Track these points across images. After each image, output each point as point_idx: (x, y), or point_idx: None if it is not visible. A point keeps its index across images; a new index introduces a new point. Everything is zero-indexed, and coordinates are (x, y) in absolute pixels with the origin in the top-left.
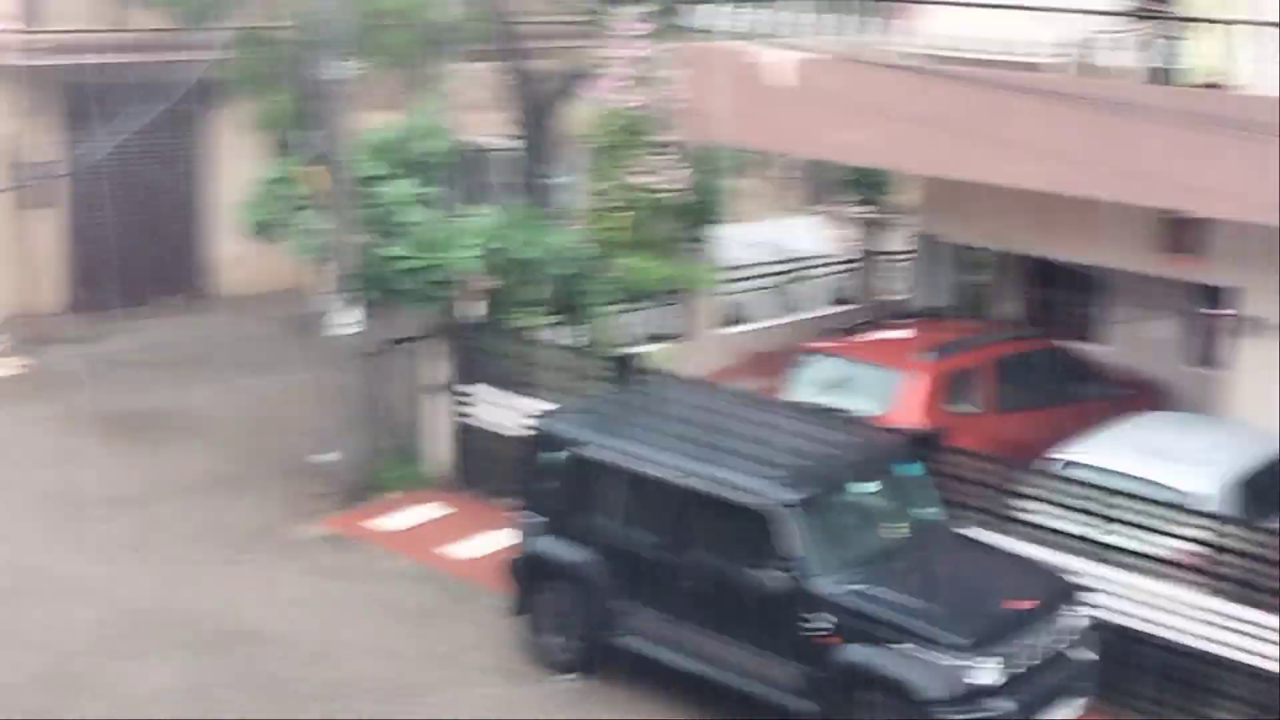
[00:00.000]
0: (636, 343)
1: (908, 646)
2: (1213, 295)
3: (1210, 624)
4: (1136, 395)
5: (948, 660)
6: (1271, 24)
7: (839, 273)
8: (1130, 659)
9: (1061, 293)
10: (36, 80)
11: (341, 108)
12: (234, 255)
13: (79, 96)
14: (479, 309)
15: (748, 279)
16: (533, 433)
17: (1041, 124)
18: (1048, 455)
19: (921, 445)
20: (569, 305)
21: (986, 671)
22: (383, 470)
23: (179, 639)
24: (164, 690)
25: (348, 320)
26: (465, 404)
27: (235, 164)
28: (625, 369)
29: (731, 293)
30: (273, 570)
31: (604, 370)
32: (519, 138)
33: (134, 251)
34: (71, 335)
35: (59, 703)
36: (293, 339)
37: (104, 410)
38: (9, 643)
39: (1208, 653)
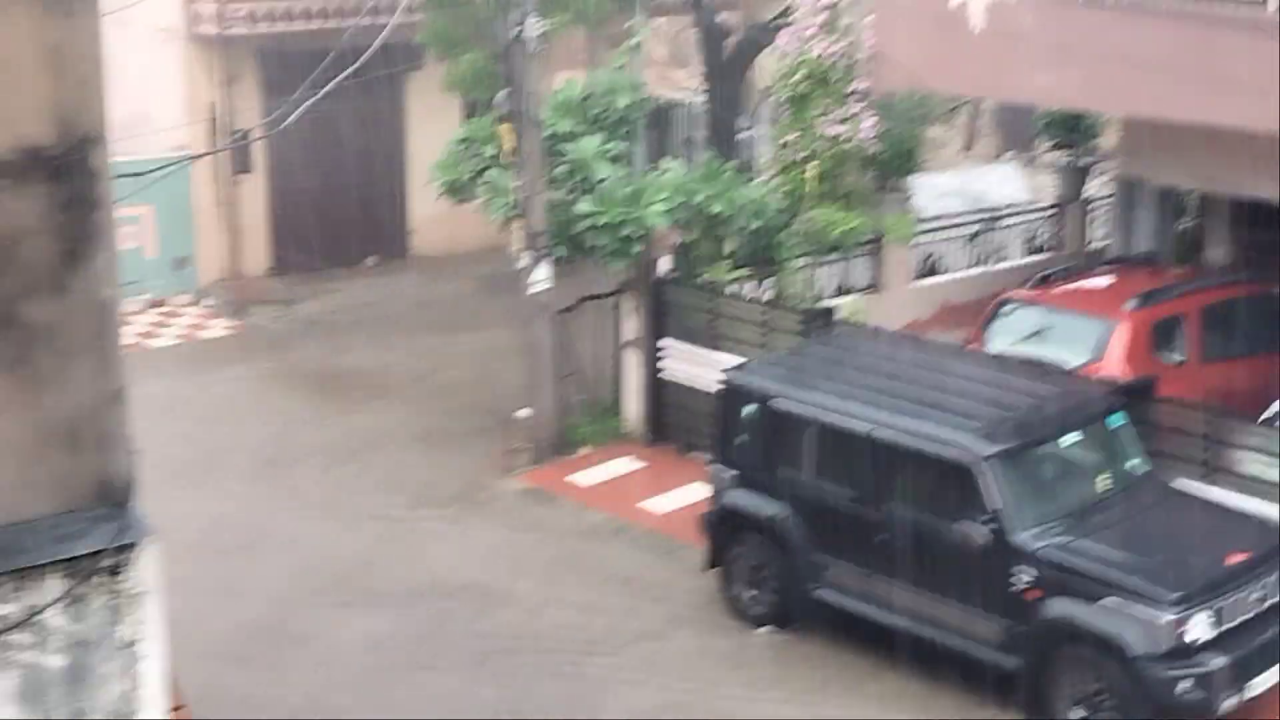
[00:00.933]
0: (828, 296)
1: (1115, 600)
2: None
3: None
4: None
5: (1156, 614)
6: None
7: (1035, 220)
8: None
9: (1276, 235)
10: (234, 49)
11: (531, 66)
12: (430, 216)
13: (276, 63)
14: (669, 264)
15: (941, 229)
16: (724, 386)
17: (1257, 61)
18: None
19: (1131, 395)
20: (759, 258)
21: (1197, 626)
22: (578, 425)
23: (384, 591)
24: (368, 640)
25: (539, 278)
26: (657, 359)
27: (429, 125)
28: (816, 322)
29: (924, 243)
30: (474, 524)
31: (795, 323)
32: (706, 91)
33: (333, 214)
34: (275, 296)
35: (268, 650)
36: (488, 297)
37: (309, 369)
38: (224, 592)
39: None
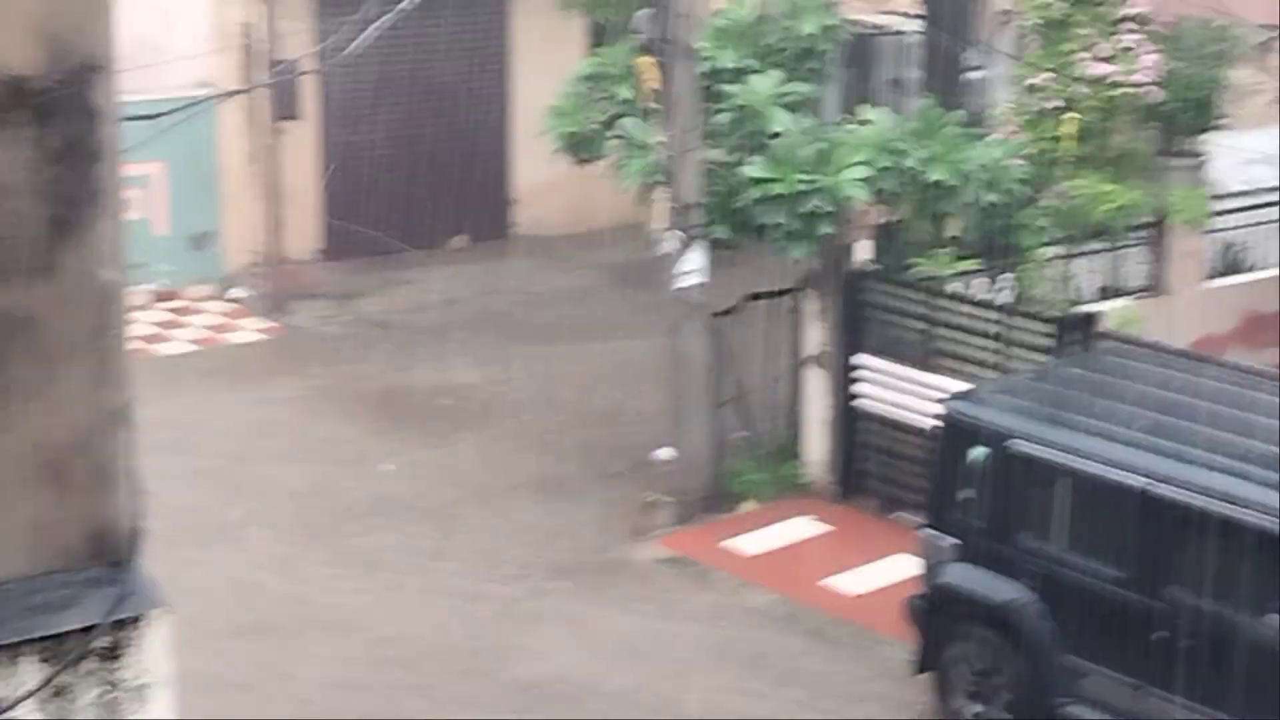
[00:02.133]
0: (1087, 298)
1: None
2: None
3: None
4: None
5: None
6: None
7: None
8: None
9: None
10: None
11: None
12: (540, 182)
13: None
14: (868, 252)
15: (1247, 209)
16: (943, 422)
17: None
18: None
19: None
20: (993, 246)
21: None
22: (739, 472)
23: (472, 691)
24: None
25: (689, 268)
26: (849, 382)
27: (543, 57)
28: (1073, 334)
29: (1225, 228)
30: (595, 604)
31: (1043, 336)
32: (923, 16)
33: (408, 178)
34: (326, 289)
35: None
36: (618, 293)
37: (371, 388)
38: (252, 691)
39: None
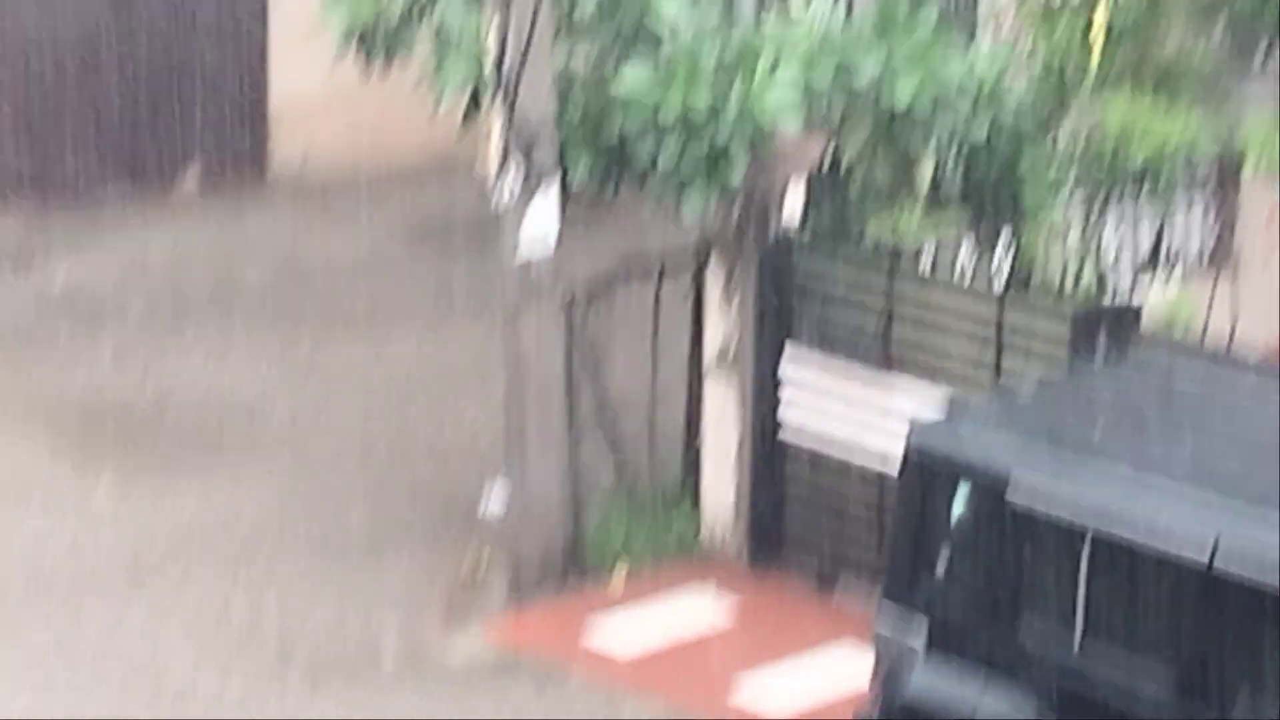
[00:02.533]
0: (1120, 279)
1: None
2: None
3: None
4: None
5: None
6: None
7: None
8: None
9: None
10: None
11: None
12: (312, 98)
13: None
14: (799, 205)
15: None
16: (909, 457)
17: None
18: None
19: None
20: (983, 200)
21: None
22: (606, 525)
23: None
24: None
25: (535, 228)
26: (770, 397)
27: None
28: (1098, 331)
29: None
30: None
31: (1055, 331)
32: None
33: (114, 94)
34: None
35: None
36: (425, 264)
37: (58, 398)
38: None
39: None
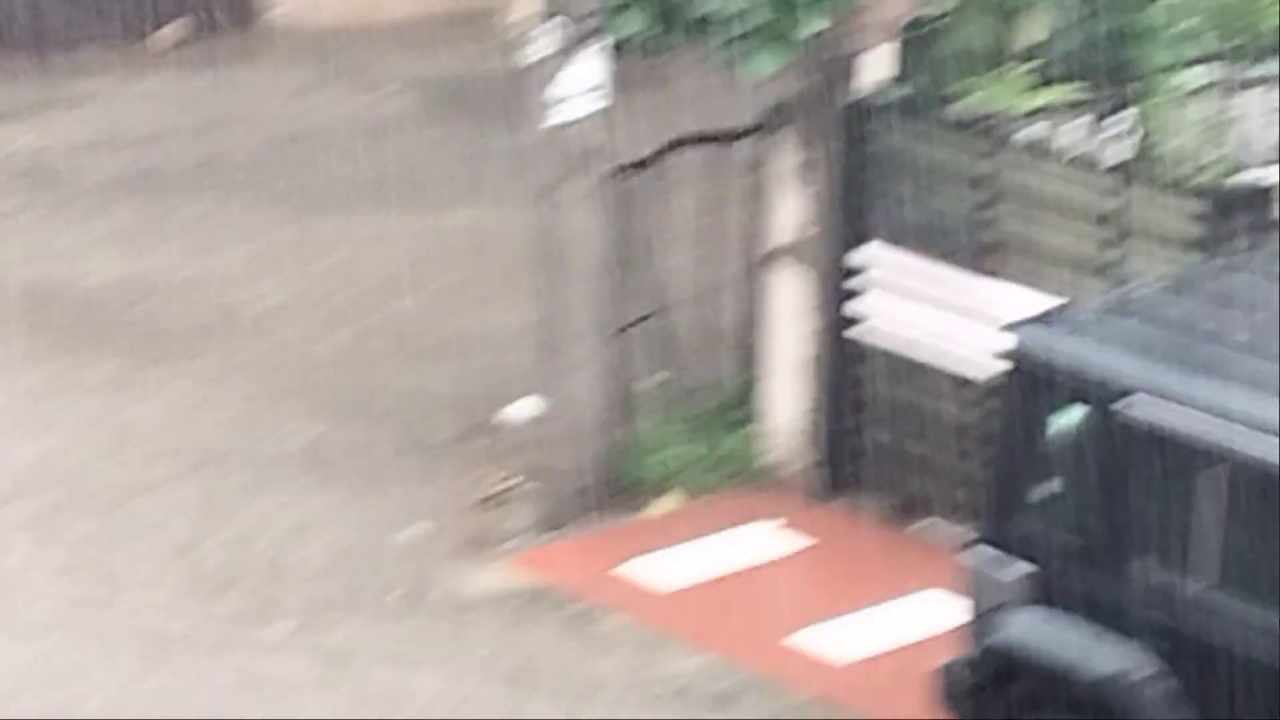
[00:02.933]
0: (1260, 159)
1: None
2: None
3: None
4: None
5: None
6: None
7: None
8: None
9: None
10: None
11: None
12: None
13: None
14: (884, 69)
15: None
16: (1010, 364)
17: None
18: None
19: None
20: (1099, 64)
21: None
22: (652, 444)
23: None
24: None
25: (575, 89)
26: (846, 294)
27: None
28: (1235, 218)
29: None
30: (388, 668)
31: (1183, 220)
32: None
33: None
34: None
35: None
36: (446, 129)
37: (8, 281)
38: None
39: None
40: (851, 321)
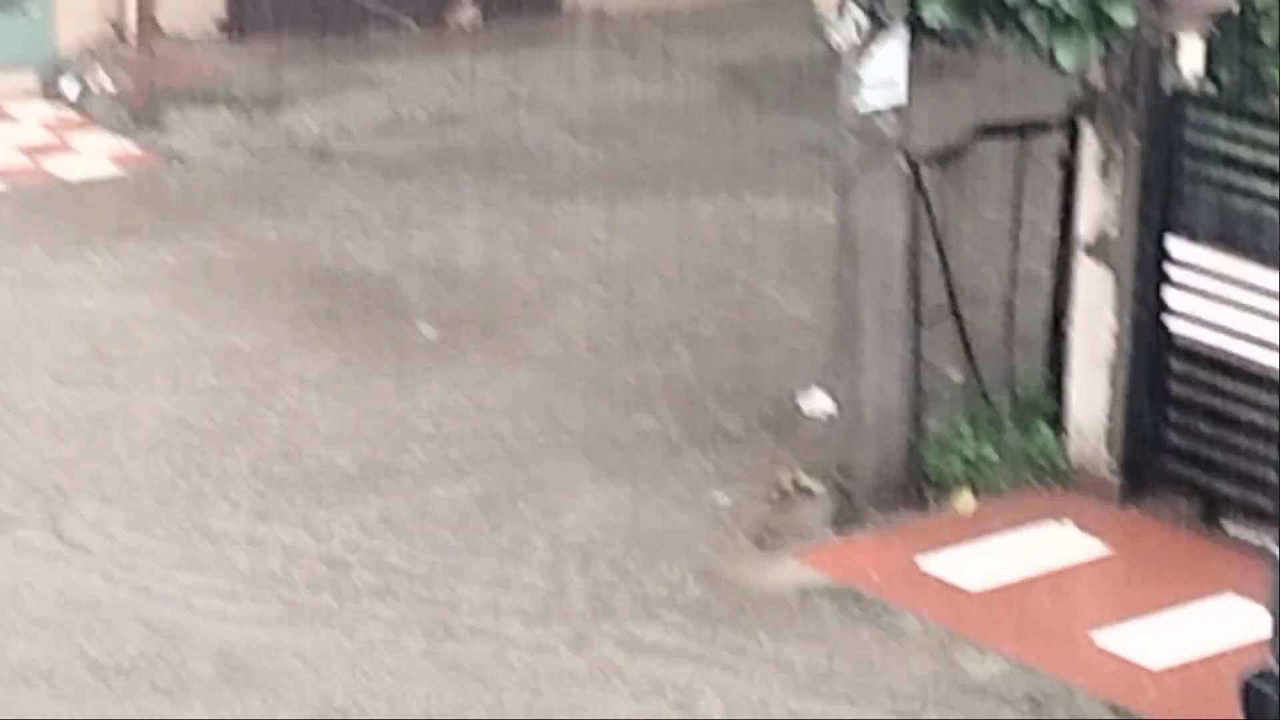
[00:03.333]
0: None
1: None
2: None
3: None
4: None
5: None
6: None
7: None
8: None
9: None
10: None
11: None
12: None
13: None
14: (1197, 60)
15: None
16: None
17: None
18: None
19: None
20: None
21: None
22: (950, 442)
23: None
24: None
25: (878, 76)
26: (1155, 291)
27: None
28: None
29: None
30: (680, 667)
31: None
32: None
33: None
34: (229, 89)
35: None
36: (744, 116)
37: (299, 265)
38: None
39: None
40: (1157, 320)
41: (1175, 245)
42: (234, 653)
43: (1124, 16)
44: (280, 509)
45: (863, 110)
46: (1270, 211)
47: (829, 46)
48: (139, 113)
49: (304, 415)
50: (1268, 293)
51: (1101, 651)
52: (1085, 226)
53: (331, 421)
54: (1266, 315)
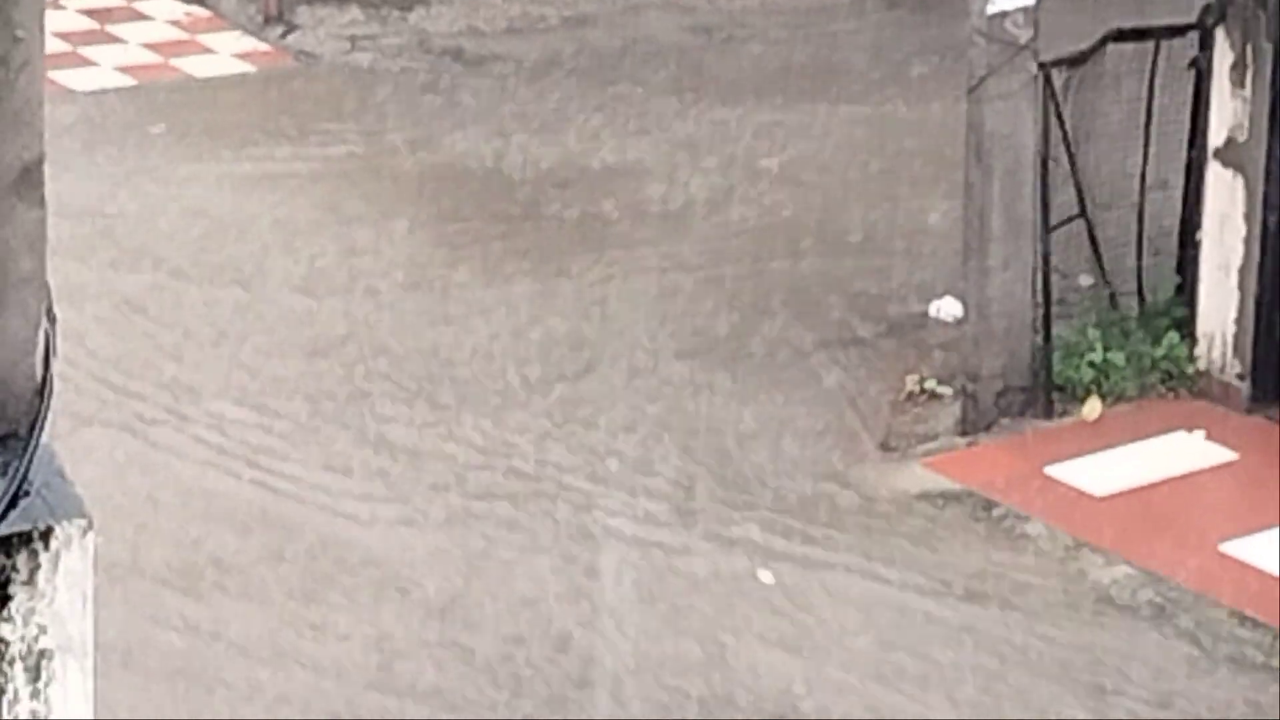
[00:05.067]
0: None
1: None
2: None
3: None
4: None
5: None
6: None
7: None
8: None
9: None
10: None
11: None
12: None
13: None
14: None
15: None
16: None
17: None
18: None
19: None
20: None
21: None
22: (1078, 348)
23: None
24: None
25: None
26: None
27: None
28: None
29: None
30: (810, 572)
31: None
32: None
33: None
34: None
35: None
36: (875, 19)
37: (432, 168)
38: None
39: None
40: None
41: None
42: (362, 551)
43: None
44: (410, 415)
45: (991, 11)
46: None
47: None
48: (269, 11)
49: (431, 320)
50: None
51: (1228, 559)
52: (1216, 132)
53: (458, 329)
54: None
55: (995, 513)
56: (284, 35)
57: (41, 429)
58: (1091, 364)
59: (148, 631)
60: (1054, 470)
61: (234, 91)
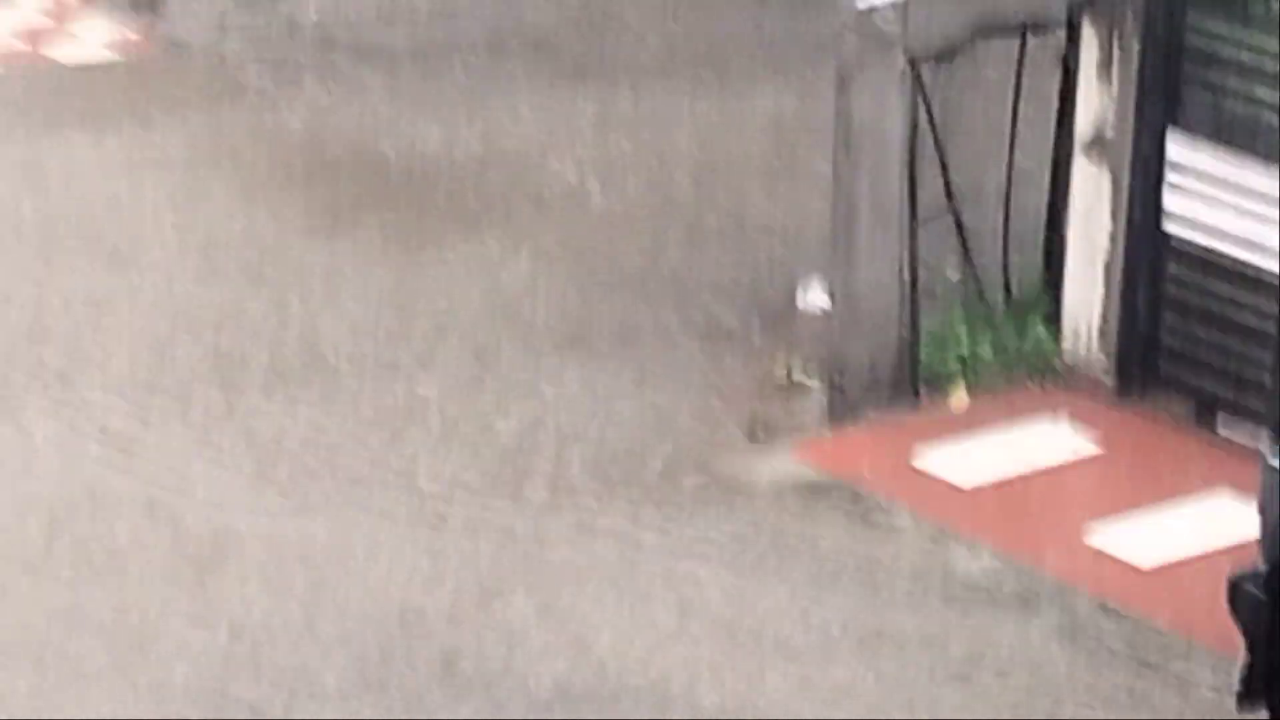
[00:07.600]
0: None
1: None
2: None
3: None
4: None
5: None
6: None
7: None
8: None
9: None
10: None
11: None
12: None
13: None
14: None
15: None
16: None
17: None
18: None
19: None
20: None
21: None
22: (945, 338)
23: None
24: None
25: None
26: (1152, 190)
27: None
28: None
29: None
30: (666, 561)
31: None
32: None
33: None
34: None
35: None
36: (745, 11)
37: (304, 150)
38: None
39: None
40: (1153, 219)
41: (1173, 147)
42: (230, 538)
43: None
44: (282, 398)
45: (861, 6)
46: (1269, 115)
47: None
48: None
49: (304, 303)
50: (1265, 196)
51: (1093, 549)
52: (1083, 126)
53: (336, 310)
54: (1263, 219)
55: (861, 503)
56: (154, 23)
57: None
58: (958, 355)
59: (8, 616)
60: (920, 461)
61: (103, 79)
